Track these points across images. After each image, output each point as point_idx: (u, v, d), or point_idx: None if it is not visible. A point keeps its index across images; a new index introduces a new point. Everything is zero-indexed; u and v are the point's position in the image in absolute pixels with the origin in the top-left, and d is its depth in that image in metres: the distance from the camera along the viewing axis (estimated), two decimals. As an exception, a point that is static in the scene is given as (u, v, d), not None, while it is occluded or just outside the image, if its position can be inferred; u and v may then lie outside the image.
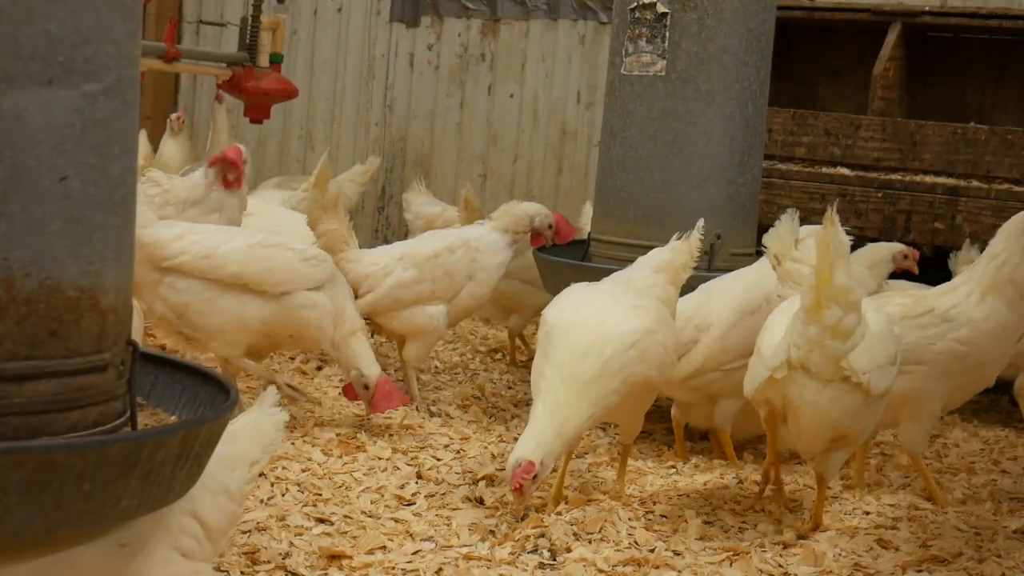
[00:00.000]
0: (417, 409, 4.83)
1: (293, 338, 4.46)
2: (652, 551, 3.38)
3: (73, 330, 2.13)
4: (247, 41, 6.15)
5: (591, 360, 3.56)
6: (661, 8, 4.84)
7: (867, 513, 3.88)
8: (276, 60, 6.28)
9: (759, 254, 5.15)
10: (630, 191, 4.99)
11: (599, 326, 3.63)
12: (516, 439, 4.53)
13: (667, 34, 4.86)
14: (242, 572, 3.08)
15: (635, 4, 4.91)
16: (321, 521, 3.46)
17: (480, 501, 3.77)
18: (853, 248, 3.75)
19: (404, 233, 7.24)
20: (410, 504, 3.71)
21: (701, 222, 4.13)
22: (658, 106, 4.93)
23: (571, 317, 3.69)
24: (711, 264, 4.91)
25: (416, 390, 4.97)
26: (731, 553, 3.41)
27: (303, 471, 3.89)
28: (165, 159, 7.44)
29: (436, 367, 5.74)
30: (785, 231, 4.04)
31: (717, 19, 4.88)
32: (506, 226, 5.12)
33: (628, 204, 4.97)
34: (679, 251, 4.05)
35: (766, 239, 4.04)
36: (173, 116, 7.74)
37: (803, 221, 5.85)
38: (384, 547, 3.32)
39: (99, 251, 2.15)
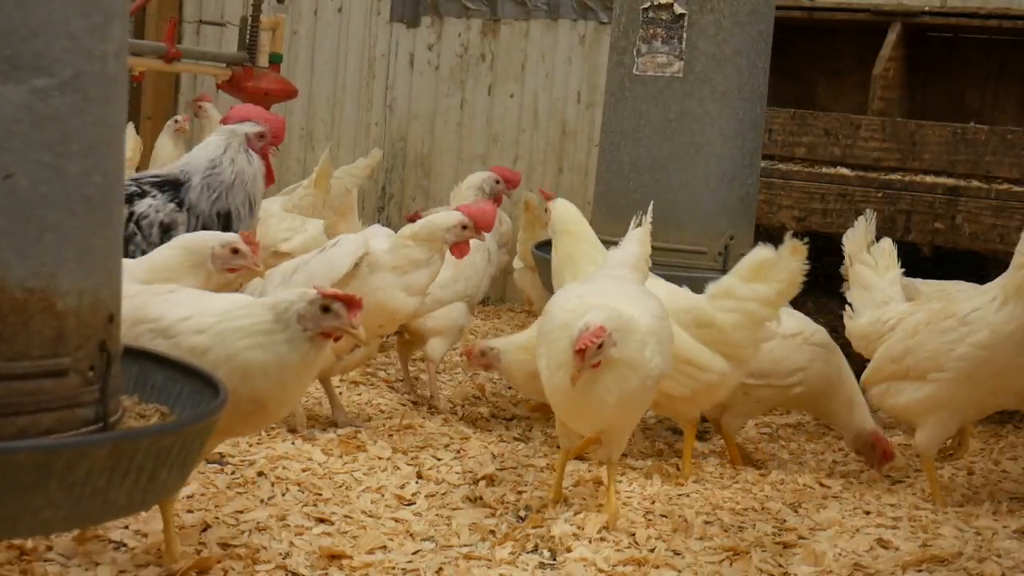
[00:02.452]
0: (436, 408, 4.95)
1: (384, 327, 4.45)
2: (652, 551, 3.38)
3: (20, 332, 2.05)
4: (246, 41, 6.15)
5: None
6: (679, 9, 4.81)
7: (867, 513, 3.88)
8: (275, 60, 6.28)
9: None
10: (645, 192, 4.93)
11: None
12: (516, 439, 4.56)
13: (684, 35, 4.83)
14: (242, 572, 3.08)
15: (648, 4, 4.88)
16: (321, 521, 3.46)
17: (480, 501, 3.77)
18: None
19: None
20: (410, 504, 3.71)
21: (651, 206, 4.16)
22: (675, 107, 4.90)
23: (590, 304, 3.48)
24: (725, 266, 4.91)
25: (437, 387, 5.06)
26: (731, 553, 3.42)
27: (303, 471, 3.89)
28: (163, 157, 7.42)
29: (437, 367, 5.73)
30: (861, 233, 4.19)
31: (733, 21, 4.88)
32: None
33: (643, 205, 4.91)
34: (645, 242, 4.04)
35: (845, 239, 4.17)
36: (180, 118, 7.64)
37: (802, 221, 5.94)
38: (384, 547, 3.32)
39: (53, 252, 2.07)
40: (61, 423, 2.13)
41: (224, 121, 4.76)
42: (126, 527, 3.26)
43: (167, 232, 4.26)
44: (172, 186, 4.38)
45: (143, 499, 2.17)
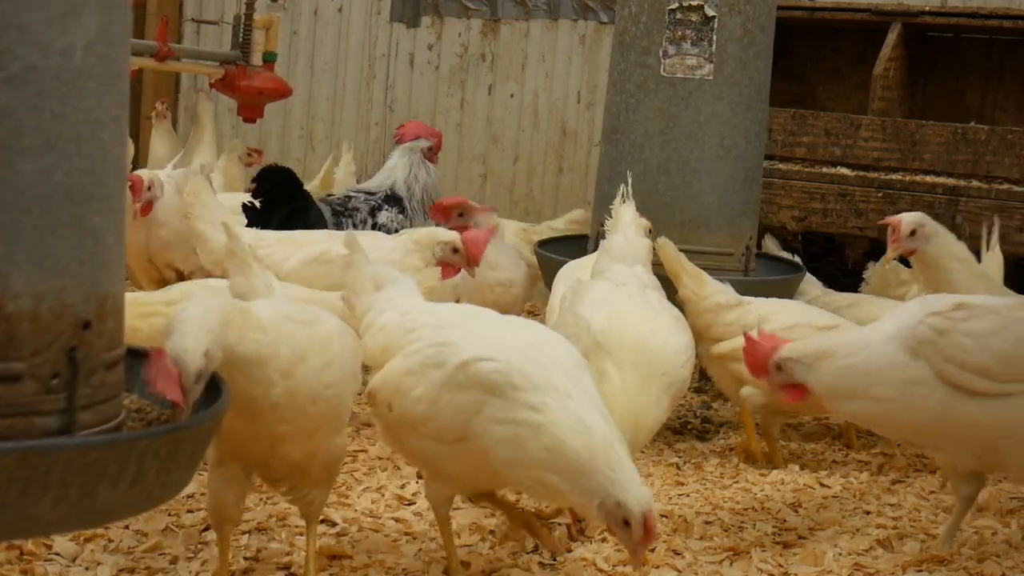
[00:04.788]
0: None
1: None
2: (652, 551, 3.37)
3: None
4: (240, 40, 6.13)
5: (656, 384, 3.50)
6: (709, 11, 4.81)
7: (867, 513, 3.88)
8: (270, 59, 6.26)
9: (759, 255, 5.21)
10: (676, 196, 4.91)
11: (651, 338, 3.56)
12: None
13: (714, 37, 4.83)
14: (242, 572, 3.08)
15: (676, 5, 4.86)
16: (322, 521, 3.46)
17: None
18: None
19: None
20: (410, 504, 3.71)
21: (630, 181, 4.15)
22: (706, 110, 4.90)
23: (620, 330, 3.55)
24: (747, 267, 4.91)
25: None
26: (731, 553, 3.42)
27: (303, 471, 3.88)
28: (157, 156, 7.42)
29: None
30: None
31: (756, 24, 4.91)
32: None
33: (674, 208, 4.90)
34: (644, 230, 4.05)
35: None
36: (157, 105, 7.69)
37: (802, 221, 5.94)
38: (384, 547, 3.32)
39: (1, 251, 1.99)
40: (13, 430, 2.03)
41: (399, 138, 5.64)
42: (126, 527, 3.26)
43: None
44: (395, 200, 5.37)
45: (78, 516, 2.06)
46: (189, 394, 2.34)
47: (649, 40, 4.95)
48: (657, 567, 3.26)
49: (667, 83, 4.93)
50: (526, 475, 2.72)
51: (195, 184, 4.63)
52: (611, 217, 4.10)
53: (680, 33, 4.84)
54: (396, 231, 5.21)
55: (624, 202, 4.10)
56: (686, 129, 4.91)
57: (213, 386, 2.44)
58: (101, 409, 2.19)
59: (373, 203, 5.38)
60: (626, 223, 4.02)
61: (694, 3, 4.81)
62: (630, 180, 4.15)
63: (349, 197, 5.47)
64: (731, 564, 3.35)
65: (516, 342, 2.87)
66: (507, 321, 3.08)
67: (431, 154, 5.42)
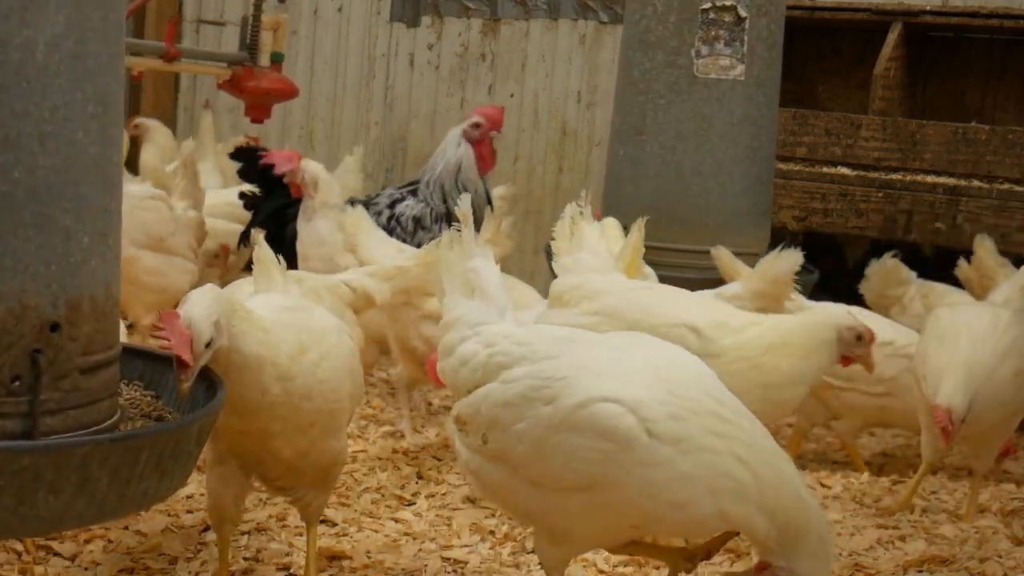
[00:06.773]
0: None
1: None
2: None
3: None
4: (248, 41, 6.14)
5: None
6: (742, 11, 4.80)
7: (867, 513, 3.88)
8: (277, 59, 6.27)
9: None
10: (710, 197, 4.89)
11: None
12: (516, 439, 4.55)
13: (745, 38, 4.82)
14: (242, 572, 3.07)
15: (709, 5, 4.83)
16: (322, 521, 3.45)
17: (480, 501, 3.76)
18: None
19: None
20: (410, 504, 3.71)
21: (587, 195, 4.04)
22: (738, 111, 4.88)
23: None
24: None
25: None
26: (732, 554, 3.41)
27: (303, 471, 3.87)
28: (148, 158, 7.36)
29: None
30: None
31: (777, 25, 4.94)
32: None
33: (707, 210, 4.88)
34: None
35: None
36: (130, 127, 7.48)
37: (803, 221, 5.93)
38: (384, 547, 3.31)
39: None
40: None
41: None
42: (126, 528, 3.25)
43: (418, 223, 5.17)
44: (415, 189, 5.28)
45: (19, 524, 1.99)
46: (199, 359, 2.37)
47: (680, 39, 4.88)
48: (657, 567, 3.26)
49: (701, 84, 4.88)
50: (714, 504, 2.34)
51: (355, 216, 4.62)
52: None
53: (713, 33, 4.81)
54: (413, 218, 5.15)
55: (583, 220, 3.83)
56: (720, 130, 4.88)
57: (209, 386, 2.42)
58: (75, 415, 2.13)
59: (397, 195, 5.28)
60: (593, 242, 3.80)
61: (727, 3, 4.79)
62: (588, 197, 3.94)
63: (379, 193, 5.46)
64: (731, 564, 3.35)
65: (632, 366, 2.47)
66: (615, 339, 2.67)
67: (475, 132, 5.18)
